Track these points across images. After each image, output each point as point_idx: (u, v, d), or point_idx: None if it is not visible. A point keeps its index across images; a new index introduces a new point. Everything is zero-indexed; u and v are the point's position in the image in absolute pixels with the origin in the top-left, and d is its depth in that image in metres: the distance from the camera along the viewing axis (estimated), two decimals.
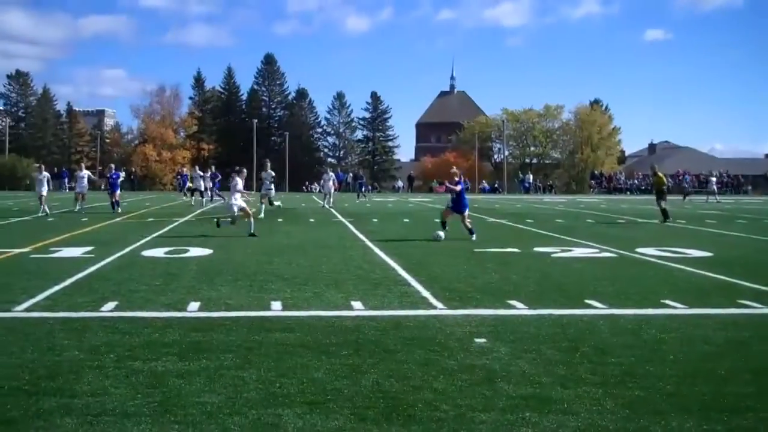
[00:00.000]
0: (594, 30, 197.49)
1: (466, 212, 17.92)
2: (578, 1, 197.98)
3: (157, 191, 71.97)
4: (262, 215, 25.05)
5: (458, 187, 17.63)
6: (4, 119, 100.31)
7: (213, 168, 40.74)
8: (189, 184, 39.55)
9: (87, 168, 31.31)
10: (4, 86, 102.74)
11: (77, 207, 28.03)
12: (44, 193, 26.63)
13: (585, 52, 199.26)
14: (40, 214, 25.61)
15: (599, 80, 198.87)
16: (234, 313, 8.52)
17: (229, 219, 18.84)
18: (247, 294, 9.83)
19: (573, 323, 8.11)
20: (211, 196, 36.43)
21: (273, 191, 28.35)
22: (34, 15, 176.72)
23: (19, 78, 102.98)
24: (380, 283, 10.84)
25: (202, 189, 35.68)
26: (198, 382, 5.80)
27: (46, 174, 27.79)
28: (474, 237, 17.29)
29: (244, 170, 19.67)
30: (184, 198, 40.43)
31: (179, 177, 50.12)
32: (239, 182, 18.71)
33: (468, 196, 18.87)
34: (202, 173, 36.52)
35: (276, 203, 28.73)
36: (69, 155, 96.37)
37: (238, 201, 18.55)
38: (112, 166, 32.62)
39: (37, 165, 36.60)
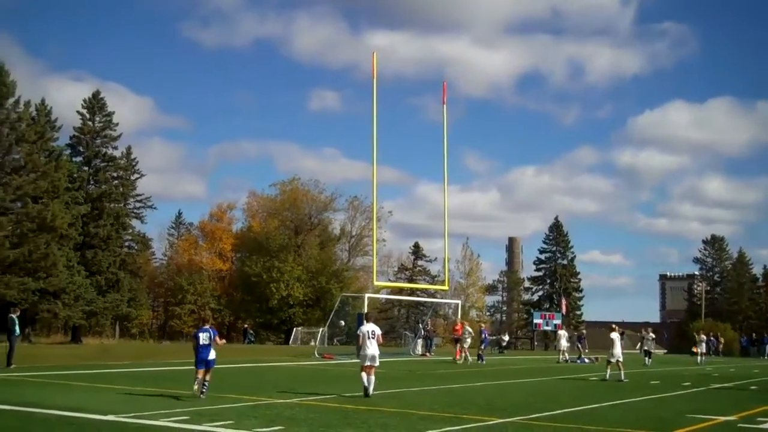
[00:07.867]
0: None
1: None
2: None
3: None
4: None
5: None
6: (700, 284, 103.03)
7: None
8: None
9: None
10: (700, 251, 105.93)
11: None
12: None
13: None
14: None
15: None
16: None
17: None
18: None
19: None
20: None
21: None
22: (732, 180, 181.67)
23: (715, 243, 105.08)
24: None
25: None
26: None
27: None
28: None
29: None
30: None
31: None
32: None
33: None
34: None
35: None
36: (766, 320, 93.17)
37: None
38: None
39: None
